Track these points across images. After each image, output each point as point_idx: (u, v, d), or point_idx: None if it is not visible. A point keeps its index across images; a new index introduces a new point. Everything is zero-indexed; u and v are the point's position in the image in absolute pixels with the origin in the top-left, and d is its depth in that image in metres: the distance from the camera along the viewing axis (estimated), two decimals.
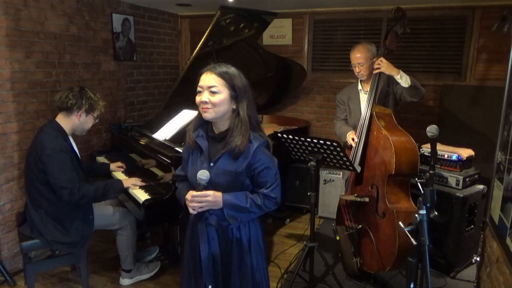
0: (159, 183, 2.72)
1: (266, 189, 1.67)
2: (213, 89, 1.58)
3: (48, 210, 2.46)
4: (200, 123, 1.71)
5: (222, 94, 1.58)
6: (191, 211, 1.61)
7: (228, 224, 1.69)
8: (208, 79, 1.59)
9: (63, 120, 2.50)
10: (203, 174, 1.56)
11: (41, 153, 2.37)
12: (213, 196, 1.61)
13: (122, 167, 3.06)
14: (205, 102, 1.58)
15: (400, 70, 2.73)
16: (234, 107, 1.63)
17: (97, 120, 2.64)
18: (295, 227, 3.92)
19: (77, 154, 2.57)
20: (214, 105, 1.58)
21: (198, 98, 1.62)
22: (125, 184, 2.66)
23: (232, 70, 1.63)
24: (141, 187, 2.67)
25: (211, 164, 1.65)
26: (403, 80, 2.72)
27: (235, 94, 1.61)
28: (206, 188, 1.60)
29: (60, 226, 2.48)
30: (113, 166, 3.06)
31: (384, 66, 2.72)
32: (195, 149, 1.72)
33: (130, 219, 2.79)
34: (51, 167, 2.37)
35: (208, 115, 1.60)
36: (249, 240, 1.74)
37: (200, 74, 1.63)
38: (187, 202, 1.63)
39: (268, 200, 1.67)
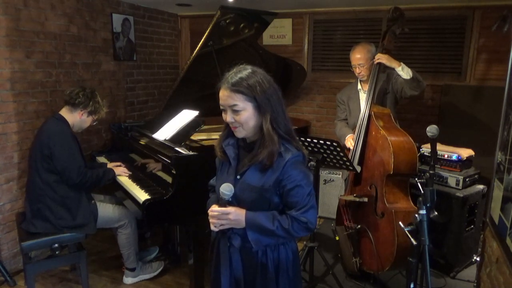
0: (150, 176, 2.73)
1: (296, 211, 1.45)
2: (235, 107, 1.41)
3: (54, 197, 2.56)
4: (231, 132, 1.53)
5: (246, 110, 1.42)
6: (212, 227, 1.46)
7: (252, 246, 1.48)
8: (226, 97, 1.42)
9: (66, 114, 2.67)
10: (226, 188, 1.39)
11: (48, 140, 2.51)
12: (235, 214, 1.43)
13: (120, 165, 3.04)
14: (232, 122, 1.45)
15: (401, 62, 2.72)
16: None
17: (95, 123, 2.83)
18: None
19: (80, 145, 2.72)
20: (241, 123, 1.43)
21: (224, 117, 1.47)
22: (116, 172, 2.85)
23: (246, 74, 1.43)
24: (141, 187, 2.67)
25: (238, 177, 1.49)
26: (405, 72, 2.72)
27: (258, 105, 1.43)
28: (230, 203, 1.44)
29: (67, 210, 2.59)
30: (110, 165, 3.05)
31: (384, 57, 2.73)
32: (224, 161, 1.57)
33: (130, 217, 2.81)
34: (60, 151, 2.51)
35: (239, 134, 1.47)
36: (277, 267, 1.53)
37: (218, 89, 1.46)
38: (209, 217, 1.46)
39: (297, 223, 1.45)
